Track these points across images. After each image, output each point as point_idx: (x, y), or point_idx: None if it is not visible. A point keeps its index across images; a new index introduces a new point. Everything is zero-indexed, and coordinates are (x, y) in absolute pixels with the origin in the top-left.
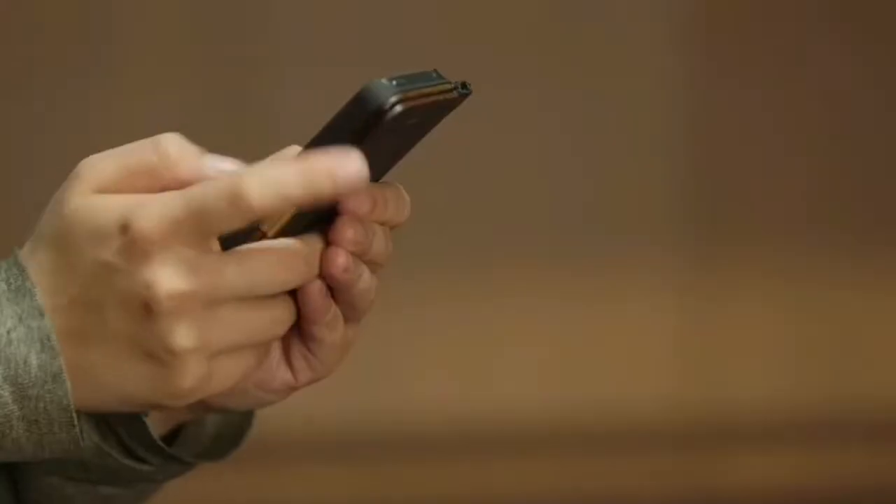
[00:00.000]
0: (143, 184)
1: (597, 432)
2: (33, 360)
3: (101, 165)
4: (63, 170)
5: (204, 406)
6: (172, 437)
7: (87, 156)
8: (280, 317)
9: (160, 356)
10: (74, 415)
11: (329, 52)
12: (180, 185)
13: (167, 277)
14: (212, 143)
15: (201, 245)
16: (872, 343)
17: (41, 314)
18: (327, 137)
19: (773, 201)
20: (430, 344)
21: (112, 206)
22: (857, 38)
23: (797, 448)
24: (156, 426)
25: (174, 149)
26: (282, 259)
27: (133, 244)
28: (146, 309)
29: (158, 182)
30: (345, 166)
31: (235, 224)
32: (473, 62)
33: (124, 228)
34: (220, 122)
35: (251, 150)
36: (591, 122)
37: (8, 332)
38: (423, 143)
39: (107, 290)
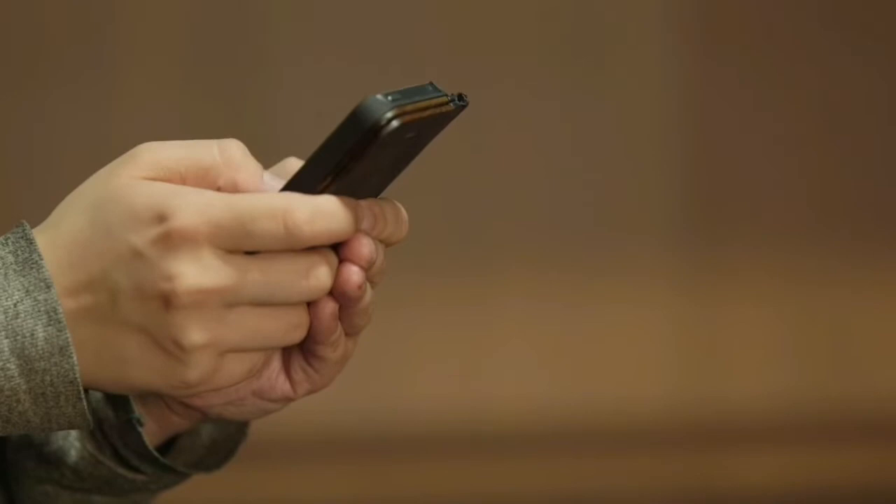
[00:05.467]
0: (196, 181)
1: (596, 432)
2: (40, 333)
3: (161, 151)
4: (62, 170)
5: (201, 415)
6: (167, 447)
7: (86, 155)
8: (296, 323)
9: (169, 349)
10: (81, 388)
11: (328, 52)
12: (234, 189)
13: (191, 273)
14: None
15: (231, 249)
16: (871, 343)
17: (48, 286)
18: (326, 153)
19: (771, 202)
20: (430, 344)
21: (154, 193)
22: (857, 39)
23: (796, 448)
24: (151, 436)
25: (239, 154)
26: (305, 270)
27: (167, 236)
28: (164, 301)
29: (213, 183)
30: (402, 214)
31: (277, 246)
32: (473, 62)
33: (161, 218)
34: (219, 122)
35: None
36: (590, 123)
37: (15, 305)
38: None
39: (127, 275)
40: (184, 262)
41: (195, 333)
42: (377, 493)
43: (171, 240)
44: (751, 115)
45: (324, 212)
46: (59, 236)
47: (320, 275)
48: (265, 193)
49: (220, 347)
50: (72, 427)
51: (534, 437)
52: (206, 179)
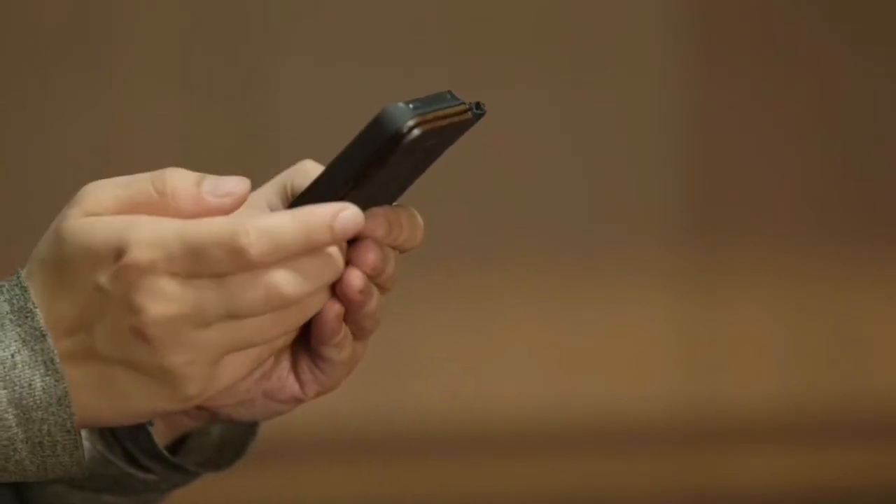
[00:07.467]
0: (143, 212)
1: (597, 432)
2: (38, 383)
3: (101, 192)
4: (62, 170)
5: (211, 415)
6: (176, 446)
7: (86, 155)
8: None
9: (157, 375)
10: (78, 438)
11: (328, 52)
12: (182, 216)
13: (153, 305)
14: (211, 142)
15: (188, 276)
16: (871, 343)
17: (43, 336)
18: (346, 161)
19: (771, 202)
20: (431, 345)
21: (110, 229)
22: (856, 38)
23: (797, 448)
24: (160, 436)
25: (172, 183)
26: (264, 287)
27: (126, 270)
28: (136, 334)
29: (160, 213)
30: (342, 216)
31: (229, 270)
32: (473, 62)
33: (118, 253)
34: (219, 122)
35: (250, 150)
36: (590, 123)
37: (12, 356)
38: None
39: (99, 314)
40: (145, 294)
41: (176, 356)
42: (379, 493)
43: (130, 274)
44: (751, 115)
45: (270, 232)
46: (37, 285)
47: (281, 285)
48: (215, 220)
49: (207, 360)
50: (67, 475)
51: (534, 438)
52: (151, 212)
